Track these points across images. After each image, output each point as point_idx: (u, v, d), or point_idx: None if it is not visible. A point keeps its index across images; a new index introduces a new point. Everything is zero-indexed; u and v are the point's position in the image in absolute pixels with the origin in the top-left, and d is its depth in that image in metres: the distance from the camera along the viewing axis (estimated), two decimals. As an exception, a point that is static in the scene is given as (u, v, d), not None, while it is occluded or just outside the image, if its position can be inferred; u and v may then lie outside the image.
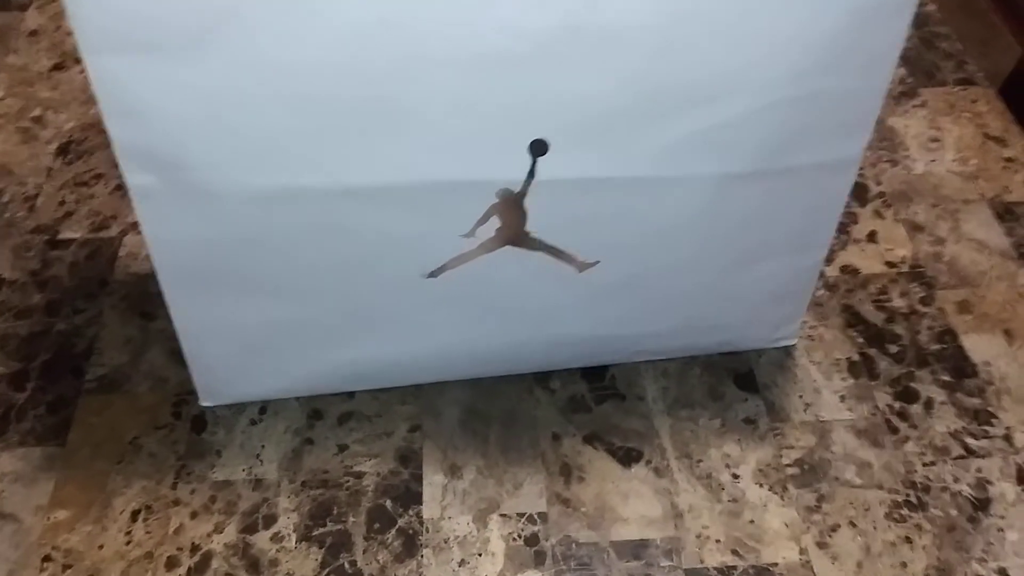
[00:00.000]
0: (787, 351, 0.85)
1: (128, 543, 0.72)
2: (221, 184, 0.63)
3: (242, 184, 0.63)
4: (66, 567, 0.71)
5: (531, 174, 0.65)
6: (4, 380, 0.82)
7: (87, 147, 1.03)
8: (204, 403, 0.80)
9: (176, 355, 0.83)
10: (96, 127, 1.05)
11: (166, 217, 0.65)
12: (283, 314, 0.72)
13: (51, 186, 0.99)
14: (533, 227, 0.69)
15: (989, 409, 0.80)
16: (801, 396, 0.82)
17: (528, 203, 0.67)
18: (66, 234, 0.94)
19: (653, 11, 0.57)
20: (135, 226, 0.95)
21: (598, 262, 0.72)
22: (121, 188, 0.99)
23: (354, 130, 0.61)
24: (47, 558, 0.71)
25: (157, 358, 0.84)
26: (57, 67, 1.13)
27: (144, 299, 0.88)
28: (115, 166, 1.00)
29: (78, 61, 1.14)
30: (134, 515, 0.73)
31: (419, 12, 0.56)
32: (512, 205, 0.67)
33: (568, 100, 0.61)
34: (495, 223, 0.68)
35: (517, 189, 0.66)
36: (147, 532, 0.73)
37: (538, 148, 0.64)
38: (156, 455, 0.77)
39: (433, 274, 0.71)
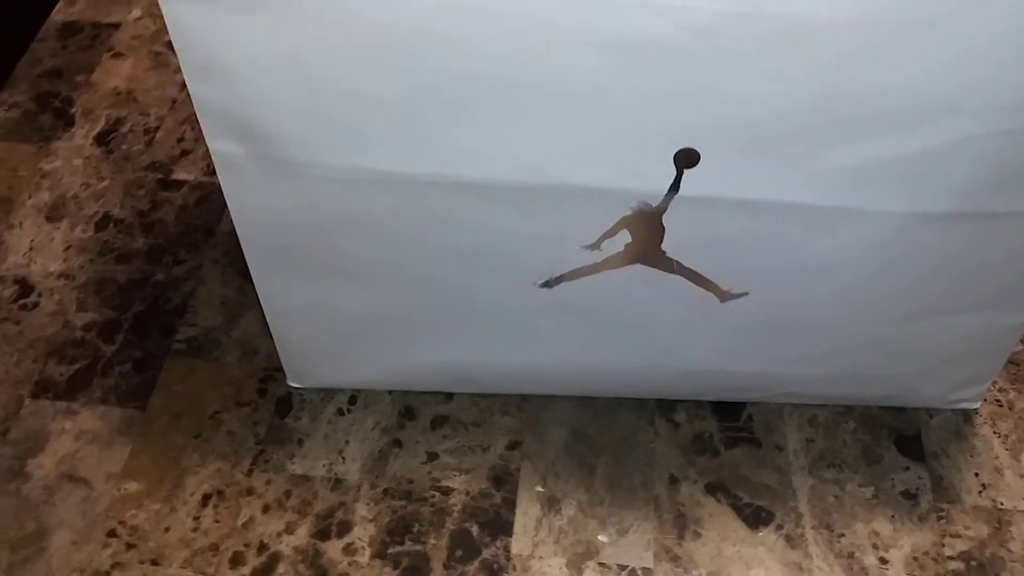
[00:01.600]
0: (966, 416, 0.71)
1: (195, 529, 0.67)
2: (309, 160, 0.54)
3: (332, 162, 0.54)
4: (130, 546, 0.66)
5: (675, 188, 0.54)
6: (96, 328, 0.78)
7: (214, 81, 0.97)
8: (292, 384, 0.74)
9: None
10: (226, 59, 0.99)
11: (251, 190, 0.58)
12: (375, 304, 0.64)
13: (172, 120, 0.94)
14: (670, 247, 0.58)
15: None
16: (977, 474, 0.68)
17: (667, 220, 0.56)
18: (179, 175, 0.89)
19: (858, 3, 0.44)
20: (250, 174, 0.88)
21: (746, 293, 0.60)
22: (242, 130, 0.92)
23: (465, 116, 0.51)
24: (112, 533, 0.67)
25: (251, 325, 0.77)
26: (196, -10, 1.07)
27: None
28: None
29: (218, -15, 1.08)
30: (205, 499, 0.68)
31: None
32: (648, 220, 0.56)
33: (729, 104, 0.49)
34: (624, 237, 0.57)
35: (656, 203, 0.55)
36: (216, 520, 0.67)
37: (686, 159, 0.52)
38: (235, 435, 0.71)
39: (548, 284, 0.61)
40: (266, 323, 0.77)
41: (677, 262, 0.59)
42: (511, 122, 0.50)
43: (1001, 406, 0.71)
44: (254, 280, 0.64)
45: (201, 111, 0.53)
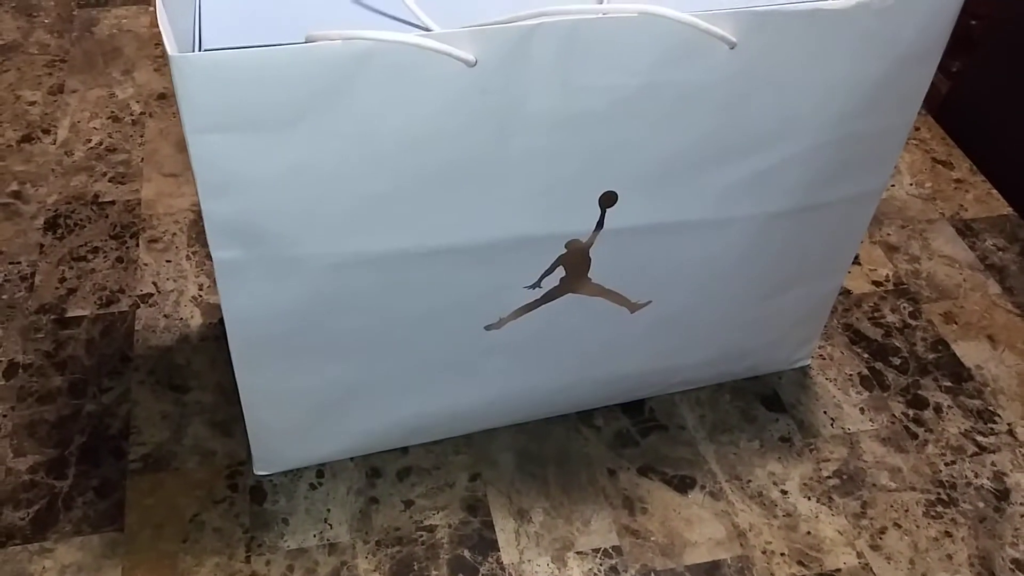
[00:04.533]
0: (804, 371, 0.91)
1: (212, 623, 0.71)
2: (306, 253, 0.63)
3: (327, 252, 0.64)
4: (152, 655, 0.69)
5: (600, 225, 0.69)
6: (43, 468, 0.79)
7: (77, 220, 1.00)
8: (259, 473, 0.79)
9: (219, 427, 0.83)
10: (82, 199, 1.03)
11: (249, 290, 0.65)
12: (352, 376, 0.73)
13: (46, 263, 0.96)
14: (594, 274, 0.72)
15: (990, 408, 0.89)
16: (825, 412, 0.88)
17: (593, 252, 0.71)
18: (74, 312, 0.91)
19: (723, 68, 0.62)
20: (146, 298, 0.93)
21: (650, 302, 0.76)
22: (123, 260, 0.96)
23: (444, 193, 0.63)
24: (130, 648, 0.69)
25: (200, 431, 0.82)
26: (26, 139, 1.09)
27: (173, 372, 0.86)
28: (112, 238, 0.98)
29: (47, 132, 1.10)
30: (213, 593, 0.72)
31: (517, 77, 0.58)
32: (579, 255, 0.71)
33: (640, 153, 0.65)
34: (560, 273, 0.72)
35: (585, 239, 0.69)
36: (230, 609, 0.71)
37: (608, 200, 0.67)
38: (222, 530, 0.76)
39: (494, 327, 0.73)
40: (215, 426, 0.82)
41: (599, 285, 0.73)
42: (480, 194, 0.63)
43: (824, 359, 0.92)
44: (237, 376, 0.71)
45: (211, 225, 0.60)
